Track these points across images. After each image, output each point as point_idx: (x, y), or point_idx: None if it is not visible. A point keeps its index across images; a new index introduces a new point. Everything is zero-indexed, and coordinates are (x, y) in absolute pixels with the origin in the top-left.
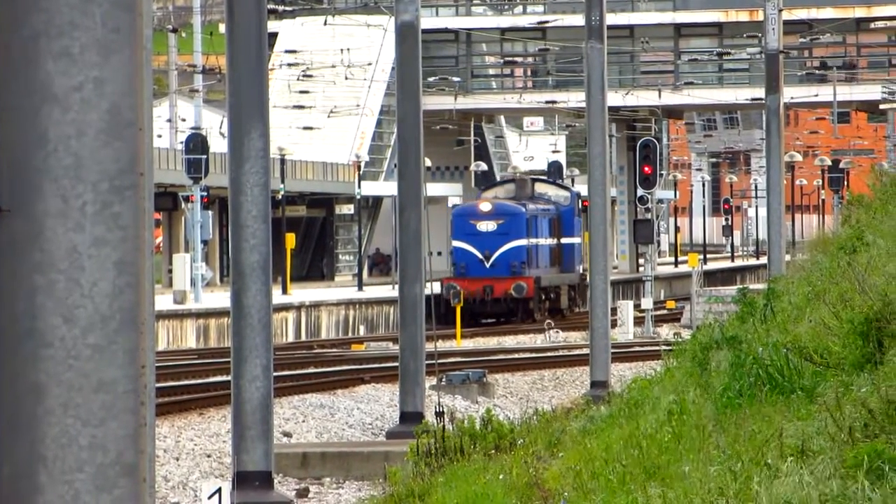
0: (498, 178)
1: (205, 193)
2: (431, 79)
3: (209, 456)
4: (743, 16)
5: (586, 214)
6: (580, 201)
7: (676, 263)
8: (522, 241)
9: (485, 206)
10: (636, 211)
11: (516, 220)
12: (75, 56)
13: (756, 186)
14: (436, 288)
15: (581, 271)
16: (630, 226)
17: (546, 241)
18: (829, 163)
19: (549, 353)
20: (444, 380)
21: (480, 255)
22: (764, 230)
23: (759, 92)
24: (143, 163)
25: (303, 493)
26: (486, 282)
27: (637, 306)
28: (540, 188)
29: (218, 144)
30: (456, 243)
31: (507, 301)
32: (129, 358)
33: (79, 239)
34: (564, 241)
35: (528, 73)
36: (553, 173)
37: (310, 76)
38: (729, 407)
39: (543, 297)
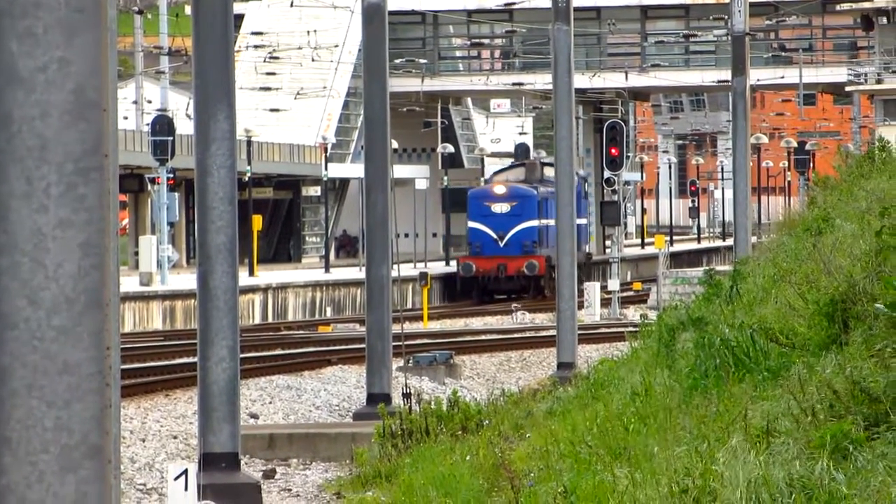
0: (465, 161)
1: (171, 175)
2: (398, 60)
3: (175, 437)
4: None
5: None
6: (585, 183)
7: (643, 245)
8: (534, 222)
9: (499, 189)
10: (603, 193)
11: (529, 201)
12: (39, 36)
13: (722, 168)
14: (438, 267)
15: (587, 250)
16: (597, 208)
17: (554, 222)
18: (795, 145)
19: (515, 335)
20: (411, 361)
21: (495, 235)
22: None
23: (726, 74)
24: (108, 144)
25: (269, 475)
26: (500, 260)
27: (604, 288)
28: (549, 171)
29: (184, 126)
30: (471, 224)
31: (520, 278)
32: (94, 340)
33: (43, 220)
34: None
35: (495, 55)
36: (520, 155)
37: (276, 58)
38: (695, 388)
39: (553, 274)
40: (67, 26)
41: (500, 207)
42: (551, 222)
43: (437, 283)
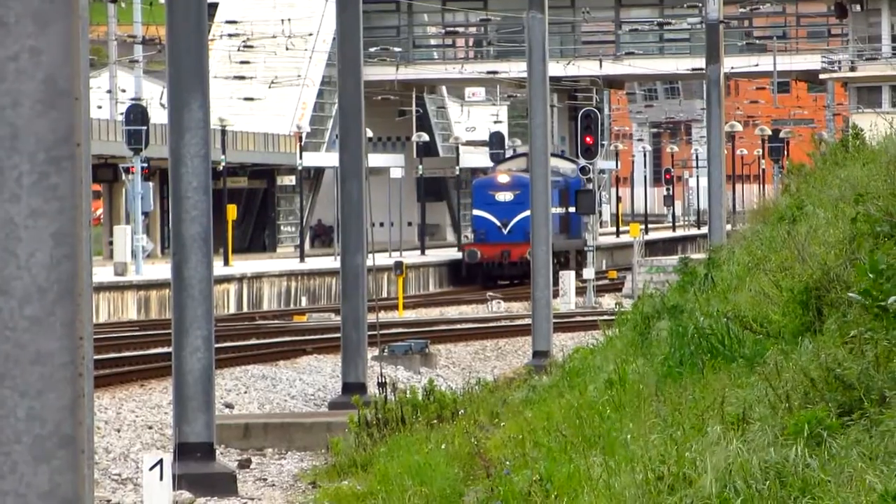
0: (440, 149)
1: (145, 165)
2: (373, 49)
3: (150, 427)
4: None
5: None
6: (585, 173)
7: (618, 233)
8: None
9: (503, 179)
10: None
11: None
12: (11, 26)
13: (697, 156)
14: (435, 255)
15: (586, 237)
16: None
17: (556, 210)
18: (770, 132)
19: (491, 324)
20: (386, 350)
21: (499, 223)
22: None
23: (700, 62)
24: (81, 133)
25: (245, 464)
26: (503, 247)
27: (579, 276)
28: (552, 161)
29: (158, 115)
30: (476, 212)
31: (523, 264)
32: (67, 329)
33: (15, 210)
34: (572, 210)
35: (470, 43)
36: (495, 143)
37: (250, 47)
38: (670, 376)
39: (555, 260)
40: (39, 16)
41: (504, 196)
42: (552, 210)
43: (443, 269)
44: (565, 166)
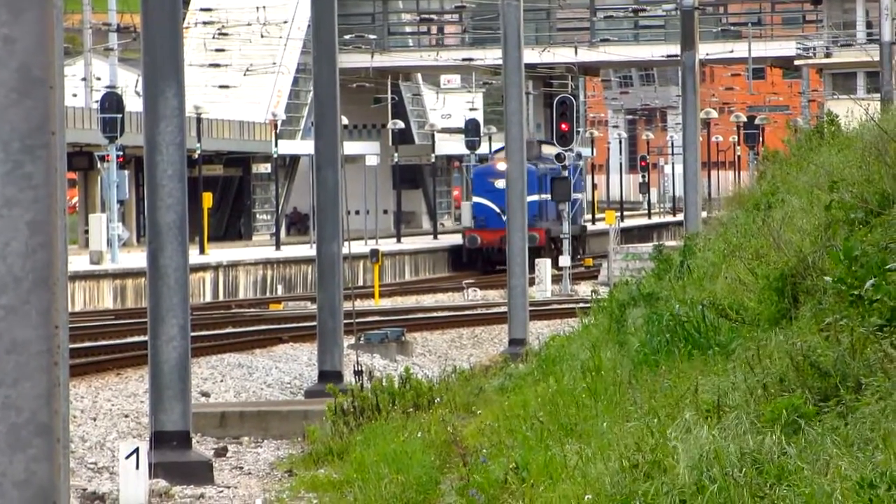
0: (415, 136)
1: (120, 153)
2: (348, 36)
3: (127, 416)
4: None
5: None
6: (582, 160)
7: (594, 221)
8: (534, 197)
9: (501, 166)
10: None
11: (529, 177)
12: None
13: (672, 143)
14: (425, 241)
15: (582, 223)
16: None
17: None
18: (745, 119)
19: (467, 312)
20: (362, 339)
21: (497, 209)
22: (680, 187)
23: (675, 49)
24: (55, 121)
25: (221, 453)
26: (502, 233)
27: (555, 264)
28: (546, 149)
29: (133, 103)
30: (476, 199)
31: None
32: (43, 318)
33: None
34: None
35: (445, 30)
36: (471, 131)
37: (225, 34)
38: (645, 363)
39: (552, 246)
40: (12, 3)
41: (502, 183)
42: (549, 196)
43: (445, 254)
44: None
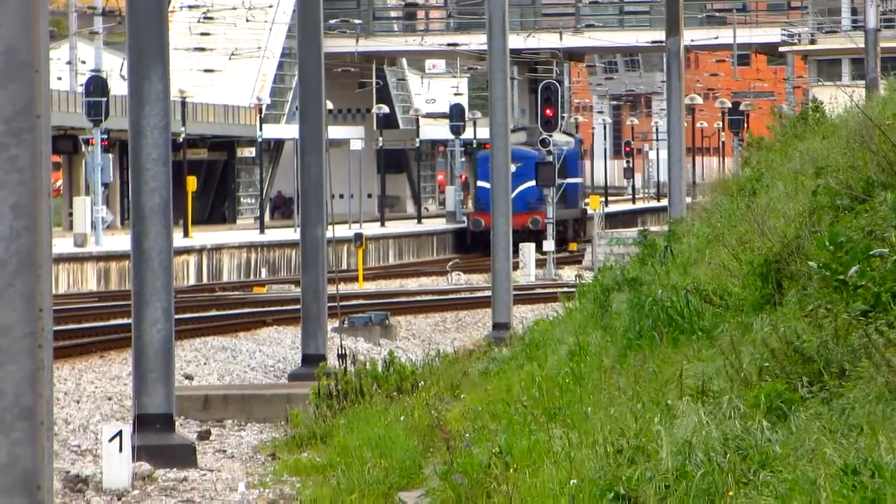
0: (400, 121)
1: (105, 136)
2: (333, 21)
3: (110, 399)
4: None
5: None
6: (582, 146)
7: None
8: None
9: None
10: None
11: (532, 163)
12: None
13: (657, 129)
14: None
15: (583, 206)
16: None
17: (490, 183)
18: (730, 105)
19: (451, 296)
20: (346, 322)
21: None
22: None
23: (660, 34)
24: (41, 105)
25: (204, 436)
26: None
27: (539, 248)
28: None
29: (118, 87)
30: (480, 183)
31: (524, 233)
32: (27, 301)
33: None
34: (569, 181)
35: (430, 15)
36: (455, 116)
37: (211, 18)
38: (629, 348)
39: (560, 228)
40: None
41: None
42: None
43: (450, 236)
44: (561, 139)
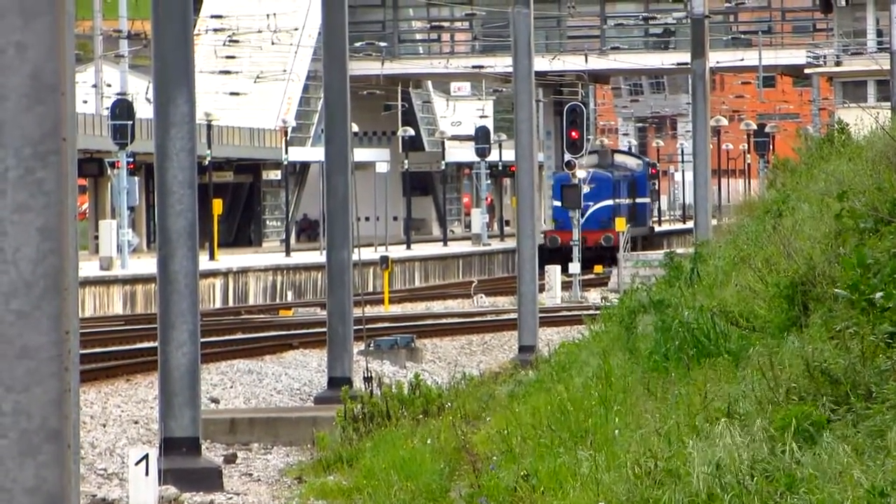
0: (425, 144)
1: (131, 159)
2: (358, 44)
3: (136, 422)
4: None
5: (656, 180)
6: (650, 168)
7: (659, 223)
8: (609, 202)
9: (581, 174)
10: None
11: (605, 184)
12: None
13: (682, 151)
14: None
15: (650, 224)
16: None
17: (626, 201)
18: (755, 127)
19: (477, 318)
20: (372, 345)
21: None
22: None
23: (685, 56)
24: (67, 128)
25: (230, 459)
26: (582, 233)
27: (565, 271)
28: (619, 157)
29: (144, 110)
30: (556, 203)
31: (597, 249)
32: (53, 324)
33: (1, 205)
34: (639, 200)
35: (455, 38)
36: (481, 138)
37: (236, 41)
38: (656, 370)
39: (631, 245)
40: (25, 10)
41: (584, 189)
42: (622, 201)
43: (475, 258)
44: (632, 161)
